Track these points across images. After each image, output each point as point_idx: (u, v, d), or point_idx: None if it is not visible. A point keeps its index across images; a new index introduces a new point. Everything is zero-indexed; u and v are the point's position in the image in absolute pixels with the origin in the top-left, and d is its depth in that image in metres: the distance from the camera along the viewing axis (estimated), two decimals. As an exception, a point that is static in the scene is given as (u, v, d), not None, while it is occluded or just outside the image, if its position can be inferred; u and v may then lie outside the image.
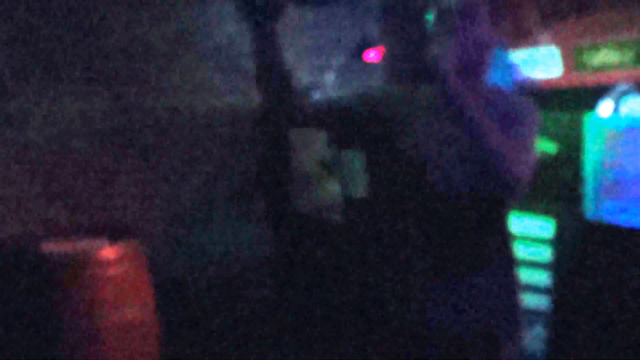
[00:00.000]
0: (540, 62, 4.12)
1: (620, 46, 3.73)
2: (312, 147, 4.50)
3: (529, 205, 3.48)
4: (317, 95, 4.43)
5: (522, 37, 4.31)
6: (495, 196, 2.22)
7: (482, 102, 2.19)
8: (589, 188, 3.30)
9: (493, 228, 2.26)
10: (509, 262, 2.30)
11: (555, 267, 3.39)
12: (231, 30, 4.50)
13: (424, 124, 2.35)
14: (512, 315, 2.31)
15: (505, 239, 2.29)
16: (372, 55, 3.26)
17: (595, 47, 3.86)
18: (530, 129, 2.18)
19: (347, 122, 3.95)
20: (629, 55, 3.67)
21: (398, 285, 2.59)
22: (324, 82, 4.26)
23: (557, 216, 3.39)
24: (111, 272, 3.33)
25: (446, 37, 2.24)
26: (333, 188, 4.53)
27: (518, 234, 3.52)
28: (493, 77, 4.06)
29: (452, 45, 2.18)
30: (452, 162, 2.26)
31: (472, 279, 2.28)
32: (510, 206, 2.28)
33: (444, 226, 2.28)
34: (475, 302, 2.29)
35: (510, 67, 3.96)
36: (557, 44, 4.05)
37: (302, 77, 4.50)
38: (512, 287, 2.30)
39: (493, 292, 2.28)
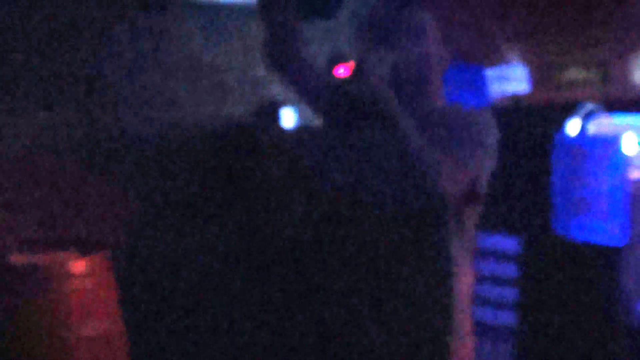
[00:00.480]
0: (508, 79, 4.16)
1: (588, 65, 3.78)
2: (284, 159, 4.51)
3: (496, 220, 3.51)
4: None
5: (491, 54, 4.35)
6: (423, 211, 2.20)
7: (425, 115, 2.20)
8: (556, 205, 3.34)
9: (422, 245, 2.23)
10: (439, 280, 2.25)
11: (522, 283, 3.42)
12: (200, 43, 4.50)
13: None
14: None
15: (435, 257, 2.24)
16: (342, 71, 3.28)
17: (563, 65, 3.90)
18: (473, 146, 2.15)
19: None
20: (596, 74, 3.72)
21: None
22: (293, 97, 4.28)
23: (524, 232, 3.42)
24: (80, 284, 3.31)
25: (386, 48, 2.24)
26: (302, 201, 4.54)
27: (484, 250, 3.55)
28: (458, 93, 4.10)
29: (392, 58, 2.19)
30: (380, 172, 2.25)
31: (398, 298, 2.25)
32: (444, 224, 2.24)
33: (371, 242, 2.26)
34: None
35: (481, 84, 4.00)
36: (526, 61, 4.09)
37: (273, 92, 4.52)
38: (442, 308, 2.26)
39: (420, 311, 2.25)
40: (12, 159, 3.84)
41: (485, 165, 2.21)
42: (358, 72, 2.11)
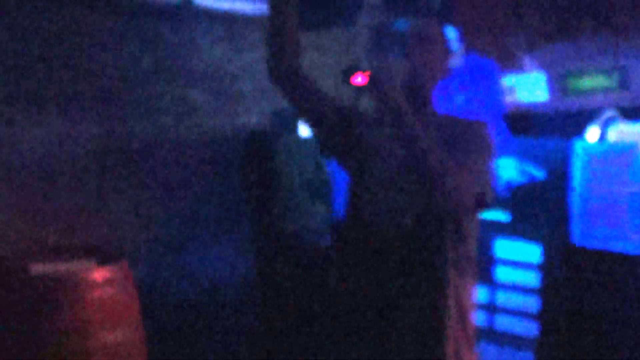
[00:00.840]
0: (526, 87, 4.15)
1: (607, 72, 3.77)
2: (299, 168, 4.52)
3: (517, 230, 3.50)
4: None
5: (508, 62, 4.34)
6: (436, 220, 2.21)
7: (427, 123, 2.21)
8: (576, 213, 3.33)
9: (435, 253, 2.24)
10: (437, 287, 2.26)
11: (542, 292, 3.41)
12: (218, 53, 4.52)
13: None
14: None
15: (443, 264, 2.25)
16: (360, 80, 3.29)
17: (581, 73, 3.89)
18: (481, 156, 2.17)
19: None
20: (615, 81, 3.71)
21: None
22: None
23: (544, 241, 3.41)
24: (100, 293, 3.32)
25: (397, 58, 2.26)
26: (320, 210, 4.54)
27: (505, 259, 3.54)
28: (474, 104, 4.10)
29: (401, 67, 2.20)
30: (393, 182, 2.27)
31: (404, 303, 2.26)
32: (456, 232, 2.25)
33: (386, 249, 2.28)
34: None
35: (498, 92, 3.99)
36: (544, 69, 4.09)
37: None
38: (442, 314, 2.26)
39: (423, 318, 2.25)
40: (32, 169, 3.86)
41: (491, 174, 2.22)
42: (373, 82, 2.14)
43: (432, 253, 2.22)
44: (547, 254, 3.37)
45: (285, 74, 2.39)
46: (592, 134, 3.44)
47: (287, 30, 2.37)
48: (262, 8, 4.49)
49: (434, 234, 2.22)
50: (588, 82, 3.81)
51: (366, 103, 2.25)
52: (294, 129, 4.60)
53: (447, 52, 2.36)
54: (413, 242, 2.23)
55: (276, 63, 2.39)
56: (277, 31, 2.37)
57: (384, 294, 2.28)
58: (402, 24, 2.31)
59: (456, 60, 3.97)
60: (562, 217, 3.36)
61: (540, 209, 3.42)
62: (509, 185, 3.47)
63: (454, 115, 2.34)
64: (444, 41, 2.35)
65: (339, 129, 2.39)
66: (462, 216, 2.19)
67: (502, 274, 3.51)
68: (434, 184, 2.05)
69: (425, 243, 2.23)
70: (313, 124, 2.44)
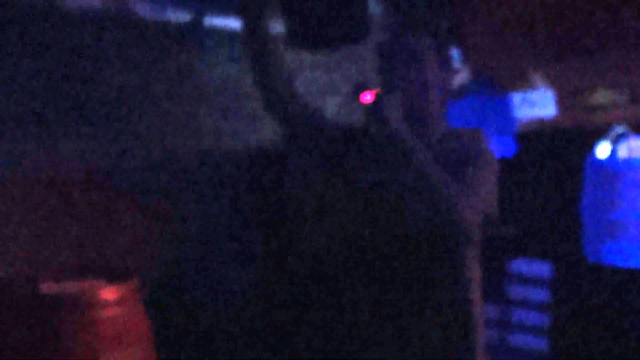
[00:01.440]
0: (536, 104, 4.15)
1: (616, 87, 3.76)
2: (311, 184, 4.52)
3: (528, 246, 3.49)
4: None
5: (518, 80, 4.34)
6: (442, 240, 2.21)
7: (429, 144, 2.21)
8: (587, 229, 3.31)
9: (441, 272, 2.24)
10: (456, 308, 2.26)
11: (554, 308, 3.39)
12: (230, 72, 4.52)
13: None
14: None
15: (454, 284, 2.26)
16: (369, 98, 3.30)
17: (591, 89, 3.89)
18: (483, 175, 2.17)
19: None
20: (625, 97, 3.70)
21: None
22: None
23: (556, 257, 3.40)
24: (110, 312, 3.31)
25: (393, 81, 2.27)
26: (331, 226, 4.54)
27: (517, 275, 3.53)
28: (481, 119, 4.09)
29: (398, 89, 2.21)
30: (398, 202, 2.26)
31: (413, 321, 2.27)
32: (462, 252, 2.25)
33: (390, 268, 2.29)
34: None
35: (509, 110, 3.99)
36: (554, 85, 4.08)
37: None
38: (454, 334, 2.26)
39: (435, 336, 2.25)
40: (40, 188, 3.87)
41: (495, 193, 2.22)
42: (375, 112, 2.15)
43: (444, 272, 2.22)
44: (559, 270, 3.36)
45: (278, 112, 2.42)
46: (602, 150, 3.42)
47: (275, 78, 2.40)
48: (272, 26, 4.53)
49: (442, 256, 2.22)
50: (598, 98, 3.80)
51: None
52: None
53: (446, 71, 2.36)
54: (423, 263, 2.24)
55: (270, 106, 2.43)
56: (265, 82, 2.41)
57: (395, 313, 2.28)
58: (397, 43, 2.32)
59: (462, 79, 3.99)
60: (573, 234, 3.35)
61: (551, 225, 3.41)
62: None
63: (458, 132, 2.33)
64: (441, 60, 2.35)
65: (326, 151, 2.40)
66: (470, 236, 2.19)
67: (515, 290, 3.50)
68: (438, 207, 2.06)
69: (436, 263, 2.23)
70: (301, 148, 2.47)
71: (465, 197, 2.07)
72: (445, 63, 2.35)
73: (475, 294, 2.26)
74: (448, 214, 2.05)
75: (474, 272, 2.28)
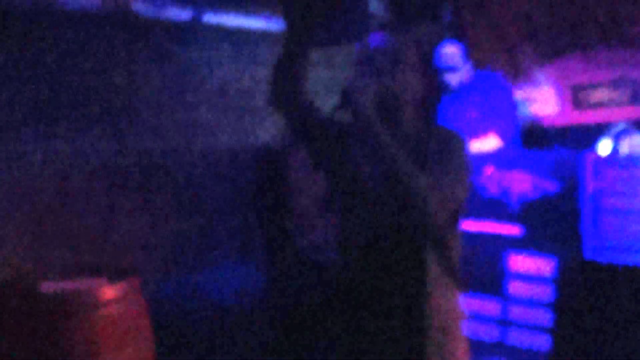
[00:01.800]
0: (538, 100, 4.14)
1: (617, 85, 3.75)
2: (311, 184, 4.52)
3: (529, 243, 3.48)
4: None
5: (520, 76, 4.34)
6: (411, 233, 2.22)
7: (406, 139, 2.21)
8: (588, 227, 3.30)
9: (411, 265, 2.25)
10: (415, 299, 2.26)
11: (555, 306, 3.38)
12: (231, 70, 4.53)
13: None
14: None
15: (416, 280, 2.25)
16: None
17: (593, 86, 3.88)
18: (457, 167, 2.19)
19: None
20: (625, 94, 3.70)
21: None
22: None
23: (558, 255, 3.39)
24: (111, 311, 3.31)
25: (369, 76, 2.28)
26: (331, 225, 4.53)
27: (518, 272, 3.52)
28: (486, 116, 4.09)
29: (373, 85, 2.21)
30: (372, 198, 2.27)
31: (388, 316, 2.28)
32: (437, 245, 2.26)
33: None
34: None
35: (510, 106, 3.98)
36: (555, 82, 4.08)
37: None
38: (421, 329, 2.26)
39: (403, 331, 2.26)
40: (42, 187, 3.87)
41: (467, 188, 2.22)
42: (344, 100, 2.16)
43: (413, 267, 2.23)
44: (561, 267, 3.35)
45: (287, 106, 2.42)
46: (604, 146, 3.41)
47: (299, 71, 2.39)
48: (271, 24, 4.53)
49: (414, 249, 2.23)
50: (599, 95, 3.80)
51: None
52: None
53: (425, 68, 2.37)
54: (393, 256, 2.25)
55: (279, 100, 2.42)
56: (287, 75, 2.41)
57: (373, 307, 2.30)
58: (378, 41, 2.32)
59: (464, 74, 3.97)
60: (575, 231, 3.34)
61: (553, 222, 3.40)
62: (522, 199, 3.45)
63: (439, 128, 2.34)
64: (420, 57, 2.35)
65: (329, 146, 2.41)
66: (440, 230, 2.19)
67: (515, 287, 3.49)
68: (408, 200, 2.07)
69: (406, 257, 2.24)
70: (307, 143, 2.47)
71: (435, 193, 2.07)
72: (427, 65, 2.37)
73: (440, 289, 2.26)
74: (415, 207, 2.06)
75: (451, 265, 2.29)
